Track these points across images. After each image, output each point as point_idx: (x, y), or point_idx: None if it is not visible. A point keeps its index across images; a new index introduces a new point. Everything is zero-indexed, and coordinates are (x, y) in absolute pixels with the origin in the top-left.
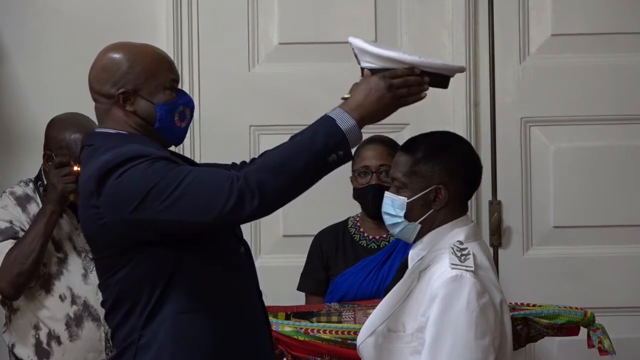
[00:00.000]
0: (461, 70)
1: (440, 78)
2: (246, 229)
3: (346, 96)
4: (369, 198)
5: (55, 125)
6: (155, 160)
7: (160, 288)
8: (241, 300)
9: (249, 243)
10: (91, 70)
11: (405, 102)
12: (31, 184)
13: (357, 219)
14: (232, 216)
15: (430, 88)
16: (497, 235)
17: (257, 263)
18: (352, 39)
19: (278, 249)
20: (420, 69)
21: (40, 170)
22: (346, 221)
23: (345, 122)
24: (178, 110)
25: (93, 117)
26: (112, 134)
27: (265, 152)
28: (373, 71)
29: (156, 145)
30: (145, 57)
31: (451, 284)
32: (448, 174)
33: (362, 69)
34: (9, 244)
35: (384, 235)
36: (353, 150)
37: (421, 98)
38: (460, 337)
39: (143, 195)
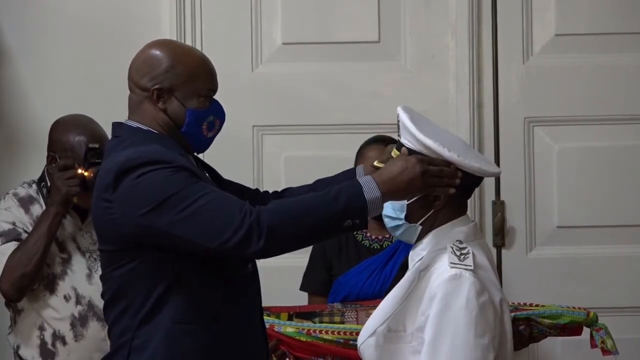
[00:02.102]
0: (496, 175)
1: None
2: None
3: (377, 164)
4: None
5: (60, 127)
6: (177, 169)
7: (158, 292)
8: (240, 316)
9: None
10: (134, 60)
11: (434, 191)
12: (34, 186)
13: None
14: (235, 250)
15: (434, 89)
16: (501, 236)
17: (260, 263)
18: (400, 111)
19: None
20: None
21: (43, 172)
22: None
23: (371, 192)
24: (208, 120)
25: (95, 118)
26: (140, 129)
27: (289, 189)
28: (410, 150)
29: (180, 150)
30: (189, 61)
31: (450, 283)
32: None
33: (399, 141)
34: (12, 245)
35: (387, 236)
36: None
37: (449, 192)
38: (459, 336)
39: (158, 202)
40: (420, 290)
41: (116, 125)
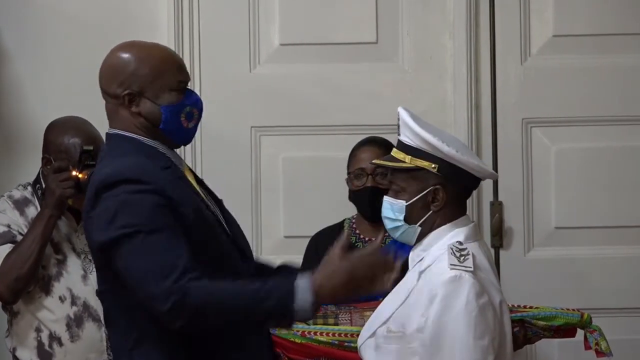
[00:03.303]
0: (493, 177)
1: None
2: (247, 230)
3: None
4: (365, 200)
5: (55, 129)
6: (150, 192)
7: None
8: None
9: (250, 244)
10: (101, 69)
11: (371, 290)
12: (29, 188)
13: (354, 220)
14: (154, 309)
15: (432, 90)
16: (499, 236)
17: None
18: (401, 110)
19: (279, 250)
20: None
21: (38, 174)
22: (342, 223)
23: (303, 299)
24: (185, 111)
25: (94, 119)
26: (127, 137)
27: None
28: (407, 148)
29: (166, 161)
30: (153, 58)
31: (450, 285)
32: (445, 175)
33: (399, 140)
34: (7, 248)
35: (380, 237)
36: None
37: (387, 287)
38: (459, 338)
39: (120, 225)
40: (419, 291)
41: (108, 136)
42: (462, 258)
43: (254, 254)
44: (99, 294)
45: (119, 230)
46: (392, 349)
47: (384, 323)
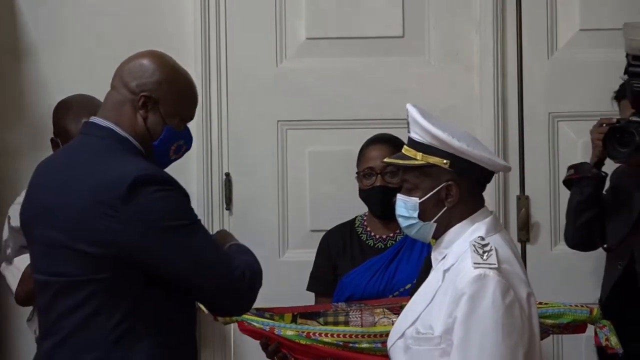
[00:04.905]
0: (506, 169)
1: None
2: (274, 224)
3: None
4: (375, 199)
5: (60, 110)
6: (186, 197)
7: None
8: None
9: (276, 238)
10: (126, 62)
11: None
12: None
13: (365, 218)
14: (224, 298)
15: (458, 84)
16: (525, 231)
17: (285, 258)
18: (409, 107)
19: (305, 244)
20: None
21: None
22: (353, 220)
23: None
24: (178, 142)
25: None
26: (126, 140)
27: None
28: (418, 145)
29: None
30: (182, 81)
31: (475, 284)
32: (457, 170)
33: (409, 138)
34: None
35: (391, 235)
36: None
37: None
38: (487, 338)
39: (180, 223)
40: (445, 291)
41: (93, 126)
42: (485, 255)
43: (280, 246)
44: (79, 282)
45: (171, 221)
46: (422, 350)
47: (412, 324)
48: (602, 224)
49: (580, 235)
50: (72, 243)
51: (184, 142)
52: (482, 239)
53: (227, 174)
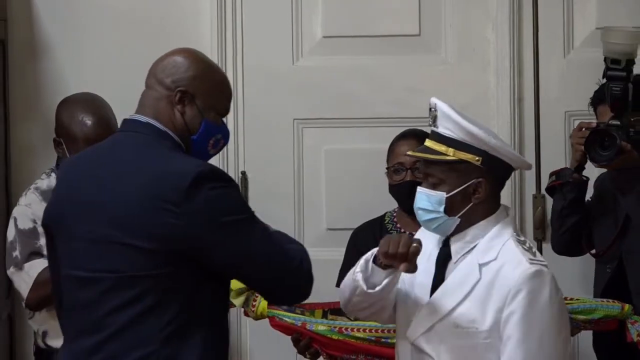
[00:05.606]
0: (529, 167)
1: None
2: (290, 222)
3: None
4: (405, 195)
5: (63, 109)
6: (236, 189)
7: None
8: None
9: (292, 237)
10: (159, 60)
11: None
12: (53, 174)
13: (395, 214)
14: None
15: (474, 82)
16: (541, 230)
17: None
18: (438, 102)
19: (322, 242)
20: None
21: (58, 158)
22: (383, 216)
23: None
24: (216, 137)
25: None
26: (167, 134)
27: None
28: (449, 141)
29: None
30: (217, 76)
31: (534, 280)
32: (487, 168)
33: (436, 132)
34: (38, 264)
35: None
36: None
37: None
38: (546, 332)
39: (244, 216)
40: (489, 285)
41: (135, 122)
42: (530, 252)
43: None
44: (134, 278)
45: (231, 216)
46: (462, 344)
47: (445, 317)
48: (588, 229)
49: (565, 241)
50: (126, 238)
51: (222, 136)
52: (519, 235)
53: (243, 173)
